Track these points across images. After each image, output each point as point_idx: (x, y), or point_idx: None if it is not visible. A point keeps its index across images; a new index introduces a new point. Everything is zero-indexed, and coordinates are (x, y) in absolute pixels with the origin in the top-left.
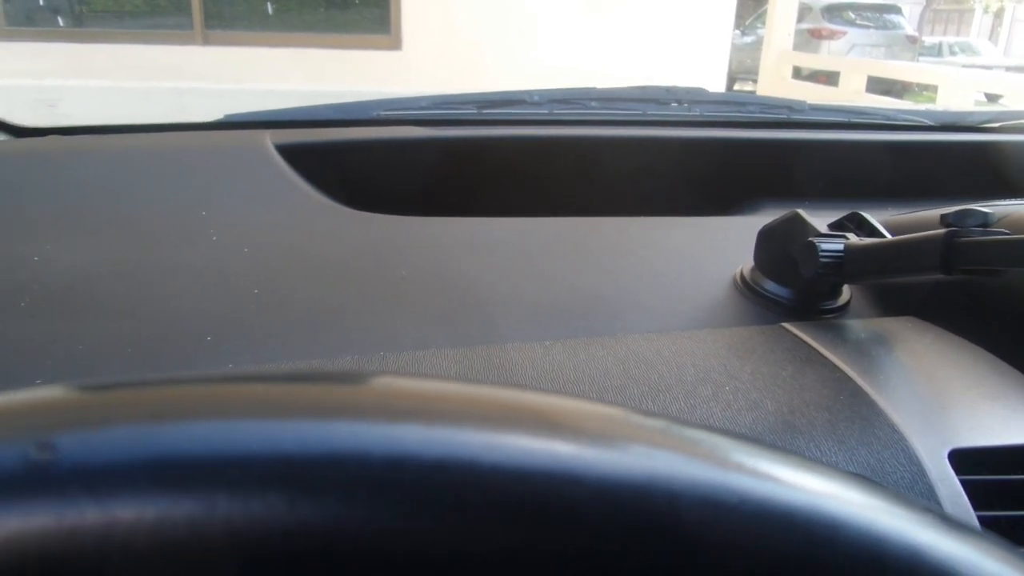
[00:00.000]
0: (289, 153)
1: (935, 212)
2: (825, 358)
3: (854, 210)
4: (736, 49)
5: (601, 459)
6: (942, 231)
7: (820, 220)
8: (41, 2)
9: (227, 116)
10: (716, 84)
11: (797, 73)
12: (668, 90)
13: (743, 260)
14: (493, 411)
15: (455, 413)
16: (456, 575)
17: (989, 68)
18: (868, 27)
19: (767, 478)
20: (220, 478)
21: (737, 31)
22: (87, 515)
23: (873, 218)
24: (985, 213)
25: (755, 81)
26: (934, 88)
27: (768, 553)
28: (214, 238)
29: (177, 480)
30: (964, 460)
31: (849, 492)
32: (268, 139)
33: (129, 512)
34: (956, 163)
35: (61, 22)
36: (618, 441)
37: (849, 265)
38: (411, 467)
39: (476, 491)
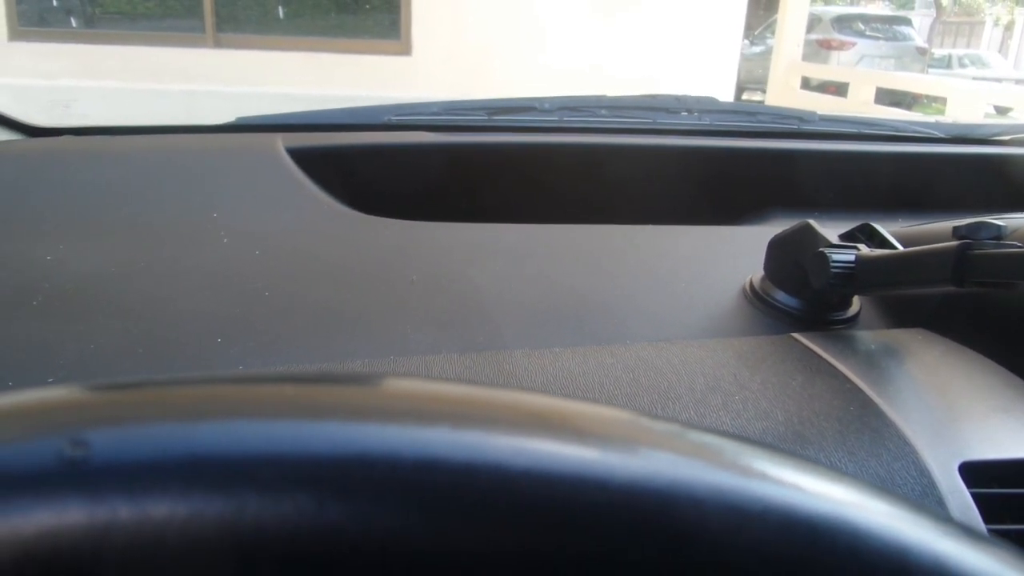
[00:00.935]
0: (300, 157)
1: (947, 224)
2: (835, 369)
3: (864, 221)
4: (745, 59)
5: (627, 465)
6: (955, 243)
7: (830, 231)
8: (54, 3)
9: (239, 119)
10: (725, 93)
11: (806, 84)
12: (678, 99)
13: (753, 269)
14: (521, 416)
15: (485, 418)
16: None
17: (999, 80)
18: (878, 38)
19: (792, 487)
20: (251, 478)
21: (746, 41)
22: (119, 512)
23: (884, 229)
24: (998, 226)
25: (764, 91)
26: (943, 100)
27: (791, 562)
28: (225, 240)
29: (208, 479)
30: (975, 473)
31: (873, 502)
32: (279, 142)
33: (161, 509)
34: (966, 175)
35: (74, 23)
36: (643, 447)
37: (860, 276)
38: (440, 470)
39: (504, 494)
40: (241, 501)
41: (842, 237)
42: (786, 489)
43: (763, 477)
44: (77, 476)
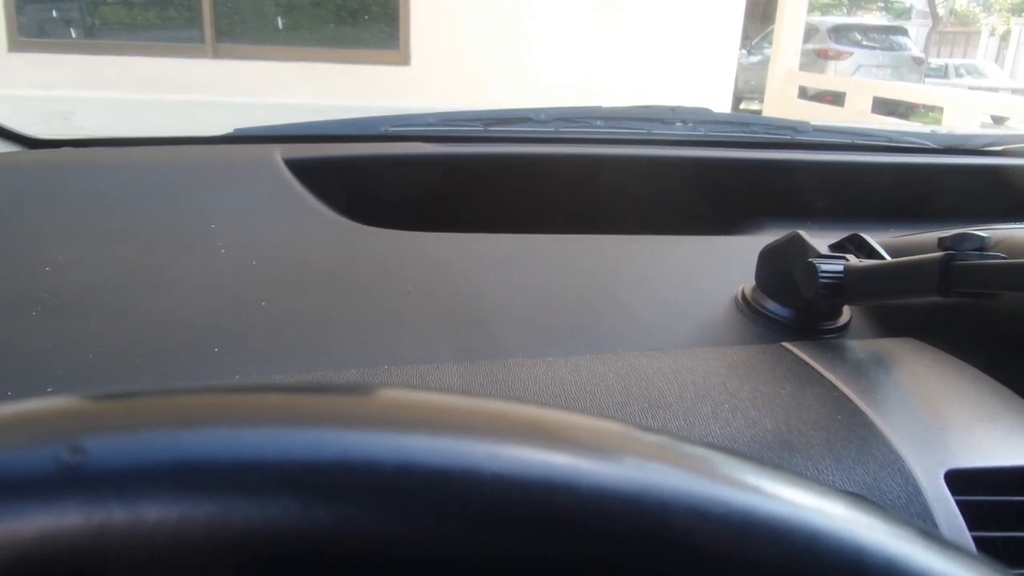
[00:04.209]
0: (297, 167)
1: (934, 235)
2: (824, 378)
3: (856, 231)
4: (742, 69)
5: (596, 470)
6: (939, 254)
7: (821, 241)
8: (54, 14)
9: (237, 130)
10: (722, 103)
11: (803, 93)
12: (673, 110)
13: (744, 279)
14: (496, 423)
15: (460, 424)
16: None
17: (995, 90)
18: (874, 48)
19: (752, 490)
20: (239, 482)
21: (743, 51)
22: (115, 515)
23: (873, 240)
24: (982, 237)
25: (761, 100)
26: (940, 109)
27: (750, 564)
28: (223, 251)
29: (199, 483)
30: (960, 481)
31: (832, 505)
32: (277, 153)
33: (153, 512)
34: (960, 186)
35: (74, 34)
36: (613, 453)
37: (849, 286)
38: (417, 475)
39: (477, 498)
40: (229, 504)
41: (832, 247)
42: (747, 493)
43: (726, 481)
44: (74, 480)
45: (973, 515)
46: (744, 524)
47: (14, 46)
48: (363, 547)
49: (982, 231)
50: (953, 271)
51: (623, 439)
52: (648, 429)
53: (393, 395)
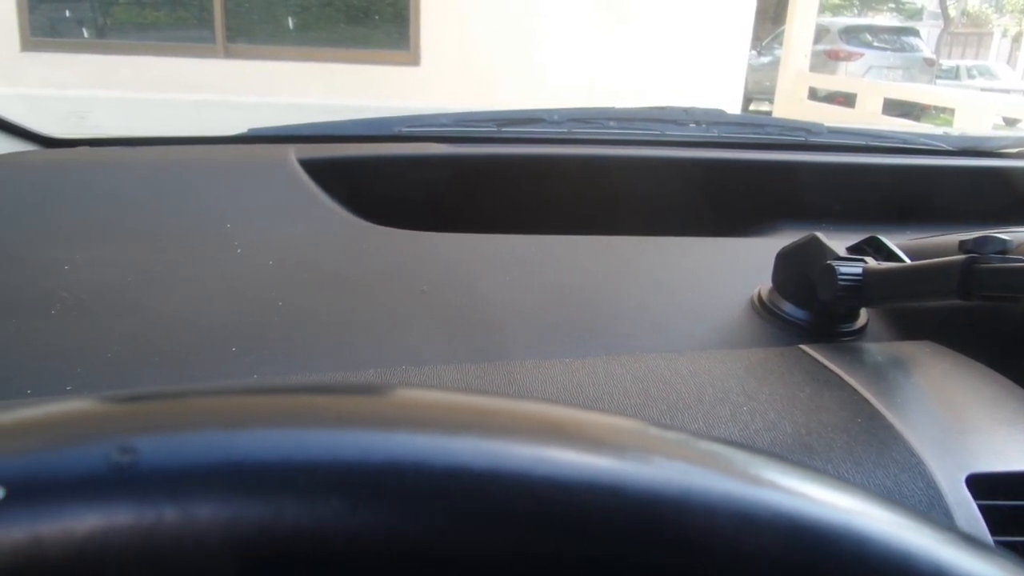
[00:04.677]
0: (312, 167)
1: (954, 237)
2: (843, 380)
3: (872, 233)
4: (753, 69)
5: (641, 473)
6: (961, 257)
7: (838, 243)
8: (67, 14)
9: (251, 130)
10: (732, 104)
11: (813, 94)
12: (687, 111)
13: (761, 281)
14: (543, 426)
15: (509, 428)
16: None
17: (1007, 92)
18: (886, 49)
19: (799, 495)
20: (289, 483)
21: (754, 51)
22: (165, 515)
23: (891, 242)
24: (1004, 240)
25: (771, 101)
26: (951, 111)
27: (799, 567)
28: (239, 250)
29: (249, 484)
30: (982, 485)
31: (877, 510)
32: (292, 153)
33: (204, 513)
34: (974, 188)
35: (86, 34)
36: (656, 457)
37: (867, 289)
38: (465, 478)
39: (524, 501)
40: (279, 505)
41: (849, 250)
42: (793, 497)
43: (772, 485)
44: (125, 480)
45: (995, 520)
46: (791, 529)
47: (27, 46)
48: (410, 549)
49: (1004, 234)
50: (975, 274)
51: (665, 442)
52: (699, 434)
53: (440, 398)
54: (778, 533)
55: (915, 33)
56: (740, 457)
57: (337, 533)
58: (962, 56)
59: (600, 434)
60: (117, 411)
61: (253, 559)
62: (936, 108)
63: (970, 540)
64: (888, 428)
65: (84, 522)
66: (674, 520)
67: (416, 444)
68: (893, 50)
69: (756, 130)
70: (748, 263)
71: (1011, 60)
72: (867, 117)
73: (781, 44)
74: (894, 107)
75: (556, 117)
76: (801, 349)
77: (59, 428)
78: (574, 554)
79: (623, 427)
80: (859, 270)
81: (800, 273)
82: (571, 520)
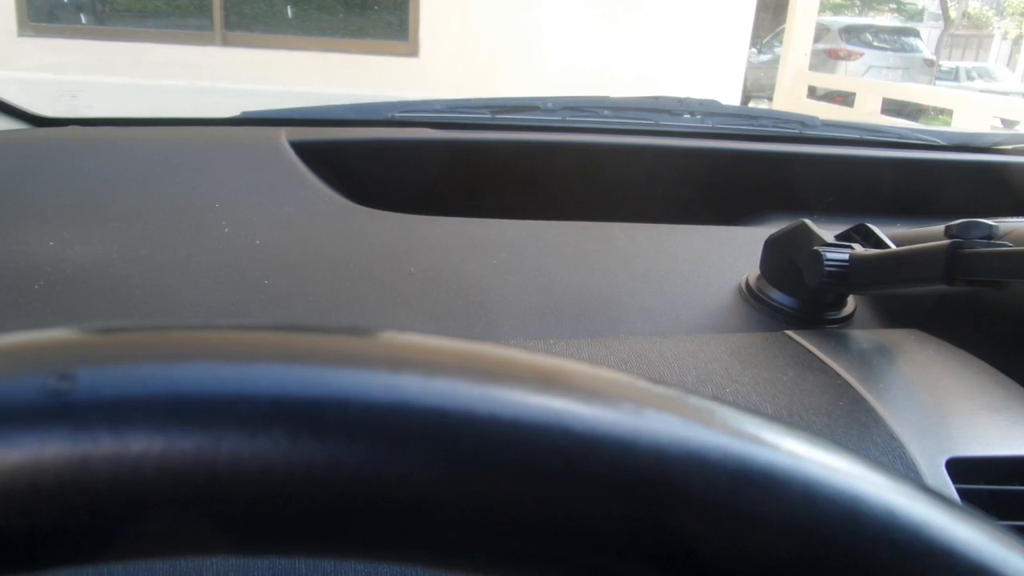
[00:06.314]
0: (303, 150)
1: (941, 226)
2: (827, 365)
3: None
4: (752, 67)
5: (591, 414)
6: (946, 242)
7: (827, 232)
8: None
9: (244, 113)
10: (731, 101)
11: (812, 93)
12: (681, 101)
13: (750, 269)
14: (492, 365)
15: (456, 366)
16: (444, 520)
17: (1006, 94)
18: (885, 49)
19: (751, 438)
20: (228, 413)
21: (753, 49)
22: (101, 443)
23: (879, 230)
24: (989, 225)
25: (770, 99)
26: (950, 112)
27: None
28: (226, 230)
29: (187, 413)
30: (961, 469)
31: (831, 457)
32: (283, 136)
33: (141, 441)
34: (967, 182)
35: (83, 19)
36: (609, 397)
37: (853, 275)
38: (410, 413)
39: (469, 439)
40: (218, 435)
41: (838, 237)
42: (744, 440)
43: (723, 428)
44: (62, 407)
45: (974, 504)
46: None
47: (24, 30)
48: (351, 484)
49: (990, 221)
50: (960, 259)
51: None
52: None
53: (391, 337)
54: (726, 472)
55: (915, 34)
56: (692, 401)
57: (276, 465)
58: (962, 58)
59: (551, 376)
60: (57, 342)
61: (191, 489)
62: (935, 109)
63: (925, 489)
64: (870, 412)
65: (19, 449)
66: (621, 461)
67: (361, 379)
68: (893, 50)
69: (750, 122)
70: (738, 251)
71: (1011, 63)
72: (866, 116)
73: (781, 42)
74: (893, 107)
75: (550, 105)
76: (786, 334)
77: None
78: (520, 494)
79: (576, 370)
80: (845, 256)
81: (788, 260)
82: (518, 459)
